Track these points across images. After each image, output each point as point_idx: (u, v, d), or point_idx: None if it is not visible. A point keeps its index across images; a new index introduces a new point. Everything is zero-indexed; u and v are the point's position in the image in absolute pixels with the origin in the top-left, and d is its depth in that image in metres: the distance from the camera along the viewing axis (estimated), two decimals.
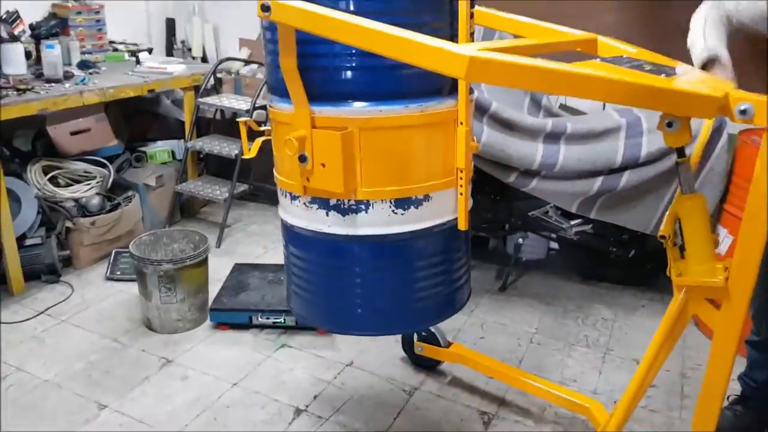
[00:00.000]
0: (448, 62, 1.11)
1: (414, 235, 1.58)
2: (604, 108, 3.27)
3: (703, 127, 1.83)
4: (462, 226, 1.62)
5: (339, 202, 1.55)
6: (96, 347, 2.60)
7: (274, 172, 1.75)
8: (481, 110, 2.70)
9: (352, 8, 1.42)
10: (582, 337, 2.83)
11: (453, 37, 1.52)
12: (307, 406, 2.29)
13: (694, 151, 1.72)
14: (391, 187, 1.53)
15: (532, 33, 1.70)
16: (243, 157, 1.83)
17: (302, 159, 1.47)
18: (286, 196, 1.68)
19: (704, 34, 1.78)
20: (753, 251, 1.29)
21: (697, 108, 1.24)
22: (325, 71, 1.49)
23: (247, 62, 4.15)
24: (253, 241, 3.69)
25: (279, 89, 1.58)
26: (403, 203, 1.54)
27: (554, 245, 3.55)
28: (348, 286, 1.63)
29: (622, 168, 2.78)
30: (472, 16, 1.54)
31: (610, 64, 1.34)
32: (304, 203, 1.60)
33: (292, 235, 1.71)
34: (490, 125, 2.74)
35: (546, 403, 2.32)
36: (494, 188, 3.17)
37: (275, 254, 3.50)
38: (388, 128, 1.48)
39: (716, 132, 2.81)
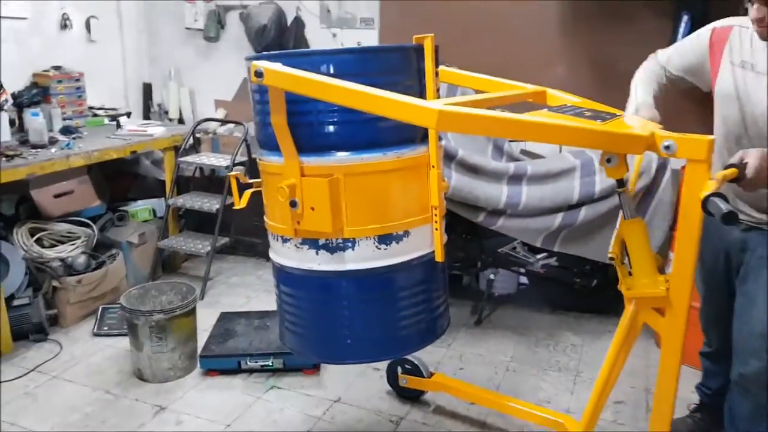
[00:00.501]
0: (421, 116, 1.33)
1: (396, 268, 1.77)
2: (560, 151, 3.56)
3: (635, 161, 2.07)
4: (438, 257, 1.82)
5: (327, 242, 1.73)
6: (89, 399, 2.68)
7: (265, 219, 1.92)
8: (448, 157, 2.94)
9: (332, 71, 1.64)
10: (554, 362, 3.01)
11: (421, 93, 1.75)
12: None
13: (630, 178, 1.95)
14: (373, 225, 1.72)
15: (490, 87, 1.95)
16: (234, 207, 1.98)
17: (293, 204, 1.65)
18: (277, 239, 1.85)
19: (636, 89, 2.07)
20: (686, 264, 1.51)
21: (629, 145, 1.47)
22: (311, 126, 1.69)
23: (223, 122, 4.36)
24: (236, 292, 3.81)
25: (268, 144, 1.78)
26: (385, 239, 1.73)
27: (524, 280, 3.77)
28: (338, 318, 1.80)
29: (579, 204, 3.04)
30: (437, 74, 1.77)
31: (555, 113, 1.57)
32: (295, 245, 1.77)
33: (283, 276, 1.88)
34: (457, 170, 2.97)
35: (524, 423, 2.48)
36: (465, 228, 3.39)
37: (258, 303, 3.62)
38: (369, 173, 1.69)
39: (661, 167, 3.11)
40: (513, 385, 2.80)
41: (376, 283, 1.78)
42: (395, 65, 1.74)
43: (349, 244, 1.72)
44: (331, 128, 1.69)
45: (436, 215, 1.78)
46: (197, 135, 4.24)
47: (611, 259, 1.70)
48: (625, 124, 1.55)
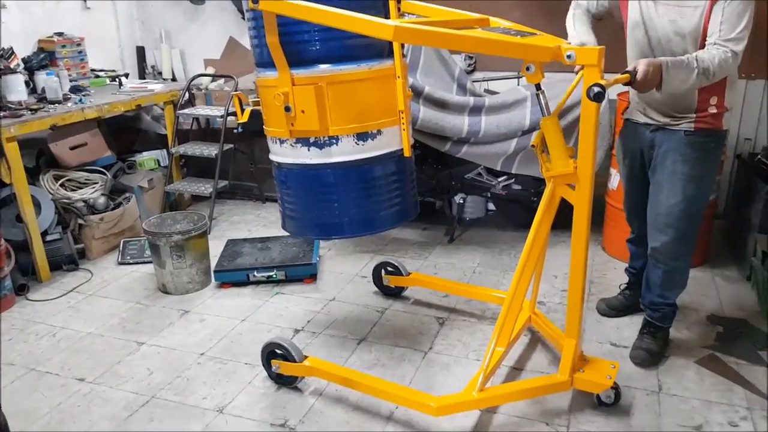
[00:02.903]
0: (381, 30, 1.79)
1: (373, 160, 2.28)
2: (518, 84, 4.05)
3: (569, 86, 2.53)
4: (406, 153, 2.33)
5: (316, 139, 2.23)
6: (123, 309, 3.19)
7: (264, 127, 2.40)
8: (416, 93, 3.43)
9: None
10: (514, 265, 3.49)
11: (386, 16, 2.22)
12: (303, 327, 2.94)
13: (561, 101, 2.43)
14: (353, 125, 2.22)
15: (444, 16, 2.39)
16: (238, 121, 2.45)
17: (287, 109, 2.16)
18: (275, 142, 2.35)
19: (574, 29, 2.54)
20: (588, 146, 2.00)
21: (540, 54, 1.94)
22: (299, 44, 2.15)
23: (215, 77, 4.79)
24: (238, 228, 4.31)
25: (264, 62, 2.26)
26: (362, 136, 2.24)
27: (491, 207, 4.29)
28: (329, 201, 2.31)
29: (531, 129, 3.54)
30: (399, 1, 2.25)
31: (487, 31, 2.06)
32: (290, 144, 2.27)
33: (282, 171, 2.39)
34: (425, 104, 3.46)
35: (485, 306, 3.03)
36: (435, 159, 3.90)
37: (258, 235, 4.12)
38: (347, 81, 2.18)
39: None
40: (479, 282, 3.35)
41: (357, 173, 2.28)
42: None
43: (334, 141, 2.22)
44: (315, 45, 2.16)
45: (403, 118, 2.28)
46: (191, 91, 4.67)
47: (533, 146, 2.21)
48: (540, 40, 2.03)
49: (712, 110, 2.36)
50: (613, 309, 2.99)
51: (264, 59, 2.25)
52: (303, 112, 2.16)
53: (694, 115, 2.38)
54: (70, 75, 4.37)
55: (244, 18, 4.82)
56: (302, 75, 2.16)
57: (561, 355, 2.30)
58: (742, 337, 2.77)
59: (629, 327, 2.85)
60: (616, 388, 2.28)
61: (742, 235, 3.49)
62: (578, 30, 2.53)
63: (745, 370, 2.53)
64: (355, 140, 2.23)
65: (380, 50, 2.25)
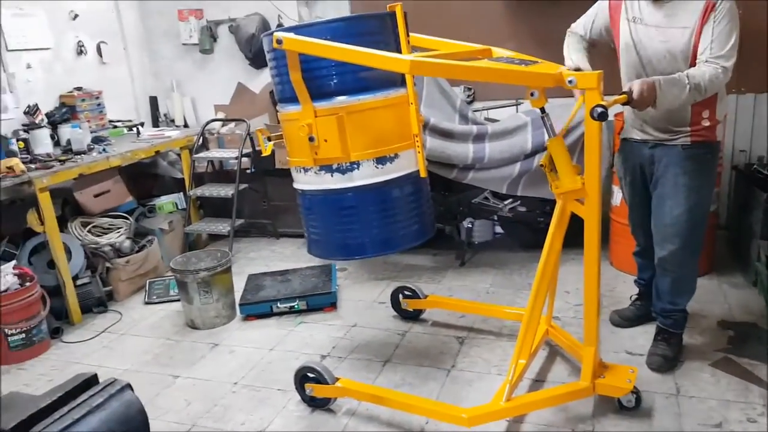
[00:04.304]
0: (398, 65, 1.99)
1: (391, 182, 2.46)
2: (517, 111, 4.24)
3: (574, 107, 2.69)
4: (422, 174, 2.50)
5: (339, 165, 2.40)
6: (155, 345, 3.31)
7: (288, 158, 2.57)
8: (422, 126, 3.60)
9: (330, 36, 2.24)
10: (526, 284, 3.68)
11: (397, 49, 2.40)
12: (329, 353, 3.07)
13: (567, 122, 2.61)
14: (372, 150, 2.40)
15: (449, 48, 2.59)
16: (262, 154, 2.63)
17: (311, 139, 2.34)
18: (299, 171, 2.52)
19: (569, 55, 2.72)
20: (593, 164, 2.16)
21: (543, 81, 2.12)
22: (320, 78, 2.34)
23: (227, 121, 5.00)
24: (256, 263, 4.45)
25: (286, 98, 2.45)
26: (381, 160, 2.42)
27: (499, 229, 4.43)
28: (351, 223, 2.47)
29: (533, 153, 3.71)
30: (407, 34, 2.44)
31: (493, 62, 2.25)
32: (314, 172, 2.45)
33: (306, 198, 2.56)
34: (431, 135, 3.65)
35: (502, 323, 3.15)
36: (443, 187, 4.06)
37: (276, 269, 4.25)
38: (365, 110, 2.37)
39: None
40: (493, 302, 3.46)
41: (378, 194, 2.46)
42: (375, 28, 2.40)
43: (355, 166, 2.40)
44: (335, 79, 2.35)
45: (417, 141, 2.46)
46: (205, 135, 4.87)
47: (541, 166, 2.37)
48: (543, 67, 2.21)
49: (705, 123, 2.53)
50: (626, 319, 3.10)
51: (286, 95, 2.44)
52: (326, 141, 2.34)
53: (689, 129, 2.54)
54: (90, 126, 4.57)
55: (251, 64, 5.08)
56: (324, 107, 2.35)
57: (581, 365, 2.42)
58: (753, 339, 2.89)
59: (643, 336, 2.96)
60: (636, 392, 2.39)
61: (745, 243, 3.62)
62: (573, 57, 2.71)
63: (759, 370, 2.63)
64: (375, 164, 2.41)
65: (393, 80, 2.44)
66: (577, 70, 2.54)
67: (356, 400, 2.56)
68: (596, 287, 2.32)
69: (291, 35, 2.21)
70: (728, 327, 3.01)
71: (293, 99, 2.37)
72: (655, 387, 2.56)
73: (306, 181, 2.52)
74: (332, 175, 2.43)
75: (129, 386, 1.60)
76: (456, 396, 2.61)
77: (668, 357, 2.71)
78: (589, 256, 2.30)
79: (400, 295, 3.33)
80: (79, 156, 3.88)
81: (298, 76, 2.28)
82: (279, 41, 2.21)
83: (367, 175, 2.42)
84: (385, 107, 2.41)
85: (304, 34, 2.22)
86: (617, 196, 3.72)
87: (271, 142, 2.59)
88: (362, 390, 2.48)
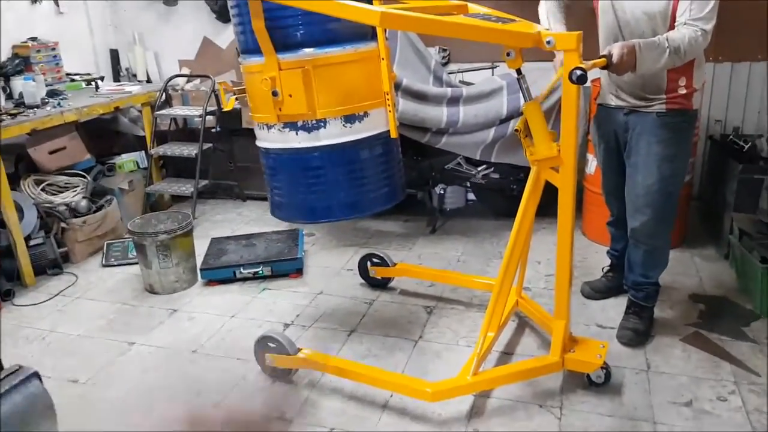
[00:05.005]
0: (368, 16, 1.82)
1: (360, 142, 2.32)
2: (493, 74, 4.11)
3: (555, 74, 2.58)
4: (393, 134, 2.36)
5: (305, 123, 2.25)
6: (111, 310, 3.18)
7: (250, 114, 2.42)
8: (395, 85, 3.45)
9: None
10: (496, 253, 3.61)
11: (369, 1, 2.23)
12: (292, 322, 2.96)
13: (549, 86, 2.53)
14: (339, 107, 2.25)
15: (423, 2, 2.43)
16: (223, 109, 2.49)
17: (275, 93, 2.18)
18: (263, 128, 2.36)
19: (548, 21, 2.58)
20: (570, 129, 2.06)
21: (521, 40, 1.99)
22: (285, 29, 2.17)
23: (192, 77, 4.77)
24: (221, 226, 4.30)
25: (249, 49, 2.28)
26: (349, 119, 2.28)
27: (471, 196, 4.33)
28: (317, 185, 2.34)
29: (509, 118, 3.60)
30: None
31: (469, 17, 2.10)
32: (278, 129, 2.29)
33: (270, 157, 2.41)
34: (403, 97, 3.50)
35: (472, 293, 3.08)
36: (415, 151, 3.94)
37: (242, 233, 4.12)
38: (332, 64, 2.21)
39: None
40: (463, 271, 3.39)
41: (345, 155, 2.32)
42: None
43: (322, 124, 2.25)
44: (301, 29, 2.19)
45: (388, 100, 2.32)
46: (168, 92, 4.65)
47: (516, 131, 2.26)
48: (520, 26, 2.08)
49: (682, 90, 2.44)
50: (597, 291, 3.05)
51: (249, 46, 2.27)
52: (290, 96, 2.19)
53: (665, 97, 2.45)
54: (45, 80, 4.31)
55: (217, 18, 4.83)
56: (288, 59, 2.19)
57: (550, 338, 2.36)
58: (724, 313, 2.86)
59: (614, 308, 2.91)
60: (606, 367, 2.34)
61: (718, 215, 3.58)
62: (550, 18, 2.58)
63: (729, 345, 2.60)
64: (343, 123, 2.27)
65: (364, 33, 2.29)
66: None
67: (319, 371, 2.47)
68: (569, 261, 2.24)
69: None
70: (699, 300, 2.98)
71: (256, 50, 2.20)
72: (625, 362, 2.52)
73: (269, 139, 2.37)
74: (297, 133, 2.28)
75: (36, 375, 1.35)
76: (423, 368, 2.54)
77: (639, 331, 2.66)
78: (563, 227, 2.21)
79: (369, 262, 3.23)
80: (31, 110, 3.65)
81: (261, 24, 2.11)
82: None
83: (334, 134, 2.27)
84: (355, 62, 2.25)
85: None
86: (592, 165, 3.64)
87: (234, 96, 2.42)
88: (325, 362, 2.38)
